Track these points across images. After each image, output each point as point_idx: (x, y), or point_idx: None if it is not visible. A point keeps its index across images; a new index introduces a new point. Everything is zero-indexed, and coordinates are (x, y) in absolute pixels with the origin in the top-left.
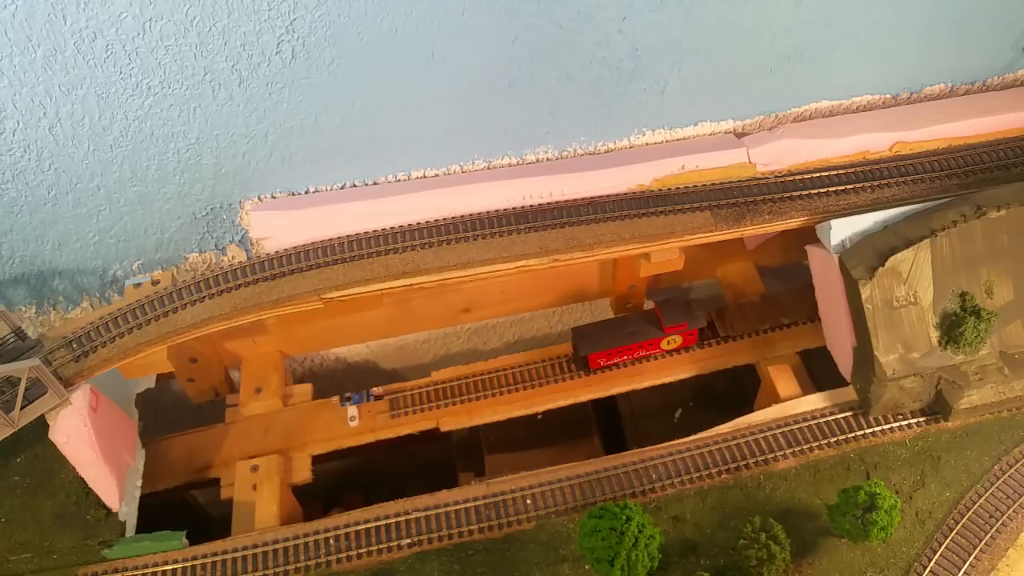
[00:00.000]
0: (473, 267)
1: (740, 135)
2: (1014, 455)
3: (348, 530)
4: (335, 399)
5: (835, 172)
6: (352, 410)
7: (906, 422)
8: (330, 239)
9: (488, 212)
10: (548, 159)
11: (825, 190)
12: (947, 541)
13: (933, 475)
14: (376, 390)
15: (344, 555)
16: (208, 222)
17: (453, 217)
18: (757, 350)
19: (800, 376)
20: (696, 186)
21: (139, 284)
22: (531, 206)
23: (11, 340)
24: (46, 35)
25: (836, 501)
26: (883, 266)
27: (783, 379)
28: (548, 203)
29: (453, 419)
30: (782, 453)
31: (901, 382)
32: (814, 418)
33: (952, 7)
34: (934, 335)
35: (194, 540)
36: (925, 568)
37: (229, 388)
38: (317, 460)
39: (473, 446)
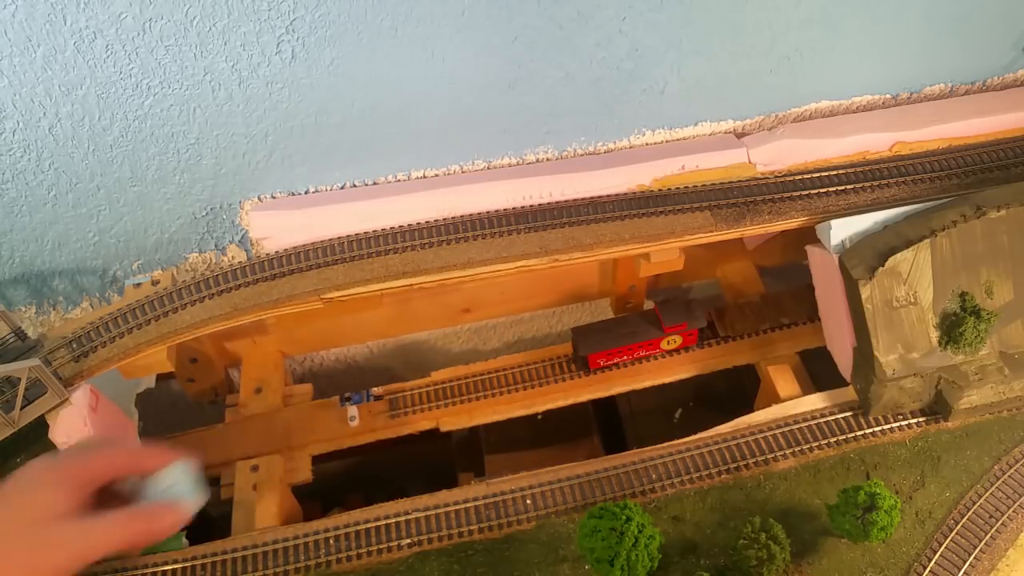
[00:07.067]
0: (473, 267)
1: (740, 135)
2: (1014, 455)
3: (348, 530)
4: (335, 399)
5: (835, 172)
6: (352, 410)
7: (906, 422)
8: (330, 239)
9: (488, 212)
10: (548, 159)
11: (825, 190)
12: (947, 541)
13: (933, 475)
14: (376, 390)
15: (344, 555)
16: (208, 222)
17: (453, 217)
18: (757, 350)
19: (800, 376)
20: (696, 186)
21: (139, 284)
22: (531, 206)
23: (11, 340)
24: (46, 35)
25: (836, 501)
26: (883, 266)
27: (783, 379)
28: (548, 203)
29: (453, 419)
30: (782, 453)
31: (901, 382)
32: (814, 418)
33: (952, 7)
34: (934, 335)
35: (194, 540)
36: (925, 568)
37: (229, 388)
38: (317, 460)
39: (473, 446)
